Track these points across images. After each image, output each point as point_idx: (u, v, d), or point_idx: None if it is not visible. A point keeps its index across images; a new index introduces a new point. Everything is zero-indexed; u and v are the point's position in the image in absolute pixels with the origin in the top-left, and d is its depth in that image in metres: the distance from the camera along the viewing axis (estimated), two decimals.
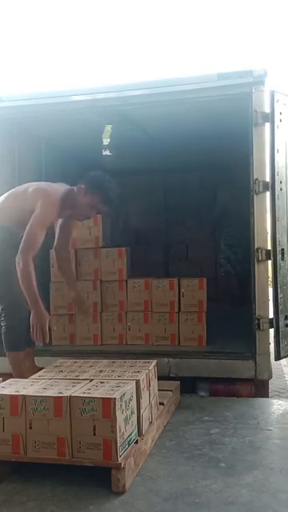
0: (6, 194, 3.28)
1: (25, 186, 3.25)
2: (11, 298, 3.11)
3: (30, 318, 2.91)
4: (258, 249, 3.43)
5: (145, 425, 2.49)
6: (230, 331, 4.15)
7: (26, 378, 2.80)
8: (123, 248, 4.21)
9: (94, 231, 4.18)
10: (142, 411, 2.46)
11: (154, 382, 2.79)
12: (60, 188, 3.19)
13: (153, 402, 2.69)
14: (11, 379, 2.67)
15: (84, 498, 2.09)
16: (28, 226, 2.93)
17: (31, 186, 3.19)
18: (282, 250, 3.47)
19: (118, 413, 2.15)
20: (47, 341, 2.92)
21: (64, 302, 4.10)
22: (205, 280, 4.06)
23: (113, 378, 2.55)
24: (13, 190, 3.30)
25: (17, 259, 2.87)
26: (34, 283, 2.86)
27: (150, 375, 2.71)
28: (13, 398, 2.27)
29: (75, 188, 3.15)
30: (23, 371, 3.14)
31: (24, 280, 2.85)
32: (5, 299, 3.17)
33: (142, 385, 2.51)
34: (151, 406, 2.65)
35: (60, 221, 3.41)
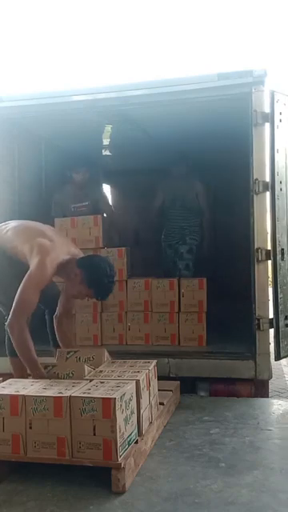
0: (17, 224, 3.21)
1: (33, 228, 3.15)
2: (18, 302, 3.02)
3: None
4: (257, 249, 3.43)
5: (145, 425, 2.49)
6: (230, 331, 4.16)
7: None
8: (123, 248, 4.21)
9: (94, 232, 4.18)
10: (142, 411, 2.46)
11: (154, 382, 2.79)
12: (61, 252, 3.02)
13: (153, 402, 2.70)
14: (11, 379, 2.67)
15: (84, 498, 2.09)
16: (21, 287, 2.79)
17: (38, 237, 3.00)
18: (282, 249, 3.47)
19: (118, 413, 2.15)
20: None
21: None
22: (205, 280, 4.06)
23: (113, 378, 2.55)
24: (25, 224, 3.23)
25: (9, 323, 2.77)
26: (32, 347, 2.75)
27: (150, 375, 2.71)
28: (13, 398, 2.27)
29: (75, 267, 2.99)
30: (25, 376, 3.05)
31: (20, 346, 2.75)
32: (10, 307, 3.08)
33: (142, 385, 2.51)
34: (151, 406, 2.65)
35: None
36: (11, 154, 4.57)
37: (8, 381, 2.61)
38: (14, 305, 2.78)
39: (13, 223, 3.26)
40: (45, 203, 5.03)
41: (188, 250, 5.02)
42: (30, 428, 2.24)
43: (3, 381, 2.65)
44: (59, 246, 3.03)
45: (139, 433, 2.41)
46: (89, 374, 2.67)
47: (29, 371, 2.78)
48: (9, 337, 3.10)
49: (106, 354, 2.98)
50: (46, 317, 3.46)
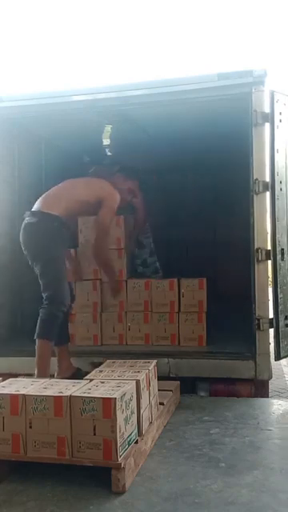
0: (60, 186, 3.61)
1: (82, 179, 3.75)
2: (57, 286, 3.28)
3: (67, 312, 3.40)
4: (257, 249, 3.43)
5: (145, 425, 2.49)
6: (230, 331, 4.16)
7: (48, 371, 3.08)
8: (123, 249, 4.21)
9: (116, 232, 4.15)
10: (142, 411, 2.46)
11: (154, 382, 2.79)
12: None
13: (153, 402, 2.69)
14: (11, 379, 2.67)
15: (84, 497, 2.09)
16: (101, 219, 3.58)
17: (91, 179, 3.76)
18: (282, 249, 3.47)
19: (118, 413, 2.15)
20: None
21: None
22: (205, 280, 4.06)
23: (113, 377, 2.55)
24: (67, 183, 3.65)
25: (96, 244, 3.64)
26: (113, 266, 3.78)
27: (150, 375, 2.71)
28: (13, 398, 2.27)
29: (114, 178, 3.71)
30: (48, 364, 3.18)
31: (106, 259, 3.74)
32: (51, 286, 3.28)
33: (142, 385, 2.51)
34: (151, 406, 2.65)
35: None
36: (11, 154, 4.57)
37: (8, 380, 2.60)
38: (97, 233, 3.63)
39: (52, 190, 3.63)
40: None
41: (150, 252, 4.79)
42: (30, 427, 2.24)
43: (3, 381, 2.64)
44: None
45: (139, 433, 2.41)
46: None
47: (109, 280, 3.86)
48: (41, 318, 3.22)
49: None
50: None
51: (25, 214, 3.47)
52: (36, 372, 3.14)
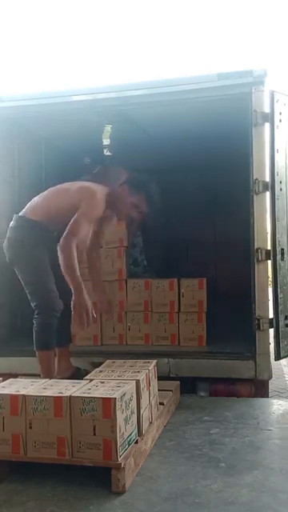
0: (46, 192, 3.36)
1: (67, 184, 3.32)
2: (44, 294, 3.14)
3: (61, 315, 3.10)
4: (257, 249, 3.43)
5: (145, 425, 2.49)
6: (230, 331, 4.16)
7: (54, 377, 2.93)
8: (122, 247, 4.21)
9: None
10: (142, 411, 2.46)
11: (154, 382, 2.79)
12: (103, 187, 3.25)
13: (153, 402, 2.69)
14: (11, 379, 2.67)
15: (84, 498, 2.09)
16: (74, 218, 2.99)
17: (74, 184, 3.27)
18: (282, 249, 3.47)
19: (118, 413, 2.15)
20: (89, 326, 2.99)
21: None
22: (205, 280, 4.06)
23: (113, 378, 2.55)
24: (53, 188, 3.37)
25: (61, 243, 2.91)
26: (77, 268, 2.91)
27: (150, 375, 2.71)
28: (13, 398, 2.27)
29: (119, 188, 3.28)
30: (52, 370, 3.13)
31: (67, 264, 2.89)
32: (37, 295, 3.16)
33: (142, 385, 2.51)
34: (151, 406, 2.65)
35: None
36: (11, 154, 4.56)
37: (8, 381, 2.60)
38: (67, 229, 2.94)
39: (40, 194, 3.36)
40: None
41: (139, 251, 4.84)
42: (30, 428, 2.24)
43: (3, 381, 2.65)
44: (96, 185, 3.25)
45: (139, 433, 2.41)
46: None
47: (73, 290, 2.90)
48: (36, 329, 3.15)
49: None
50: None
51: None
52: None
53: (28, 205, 3.34)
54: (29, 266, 3.17)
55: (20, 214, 3.32)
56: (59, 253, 2.92)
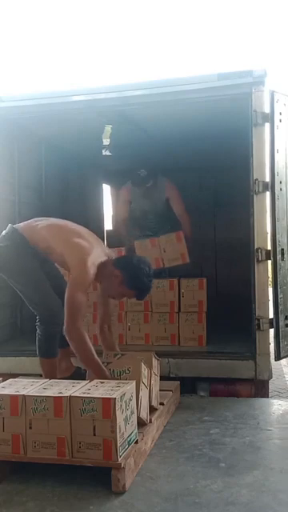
0: (49, 225, 3.14)
1: (70, 230, 3.08)
2: (46, 306, 3.12)
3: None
4: (257, 249, 3.43)
5: (143, 413, 2.51)
6: (230, 331, 4.16)
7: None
8: (122, 248, 4.21)
9: None
10: (140, 394, 2.47)
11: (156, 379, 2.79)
12: (99, 252, 2.98)
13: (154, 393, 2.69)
14: (11, 379, 2.67)
15: (84, 498, 2.09)
16: (68, 292, 2.77)
17: (73, 236, 2.99)
18: (282, 249, 3.47)
19: (118, 413, 2.15)
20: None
21: None
22: (205, 280, 4.06)
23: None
24: (58, 225, 3.16)
25: (66, 330, 2.73)
26: (93, 350, 2.71)
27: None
28: (13, 398, 2.27)
29: (113, 268, 2.95)
30: (55, 376, 3.09)
31: (82, 351, 2.72)
32: (40, 308, 3.14)
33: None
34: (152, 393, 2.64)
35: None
36: (11, 154, 4.57)
37: (8, 381, 2.60)
38: (66, 312, 2.74)
39: (44, 221, 3.19)
40: (44, 204, 5.03)
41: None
42: (30, 428, 2.24)
43: (3, 381, 2.65)
44: (96, 246, 3.00)
45: (138, 412, 2.42)
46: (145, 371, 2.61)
47: (93, 374, 2.69)
48: (39, 338, 3.14)
49: (143, 366, 2.66)
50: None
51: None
52: None
53: (30, 224, 3.18)
54: (24, 278, 3.11)
55: (17, 227, 3.16)
56: (69, 341, 2.75)
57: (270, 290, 3.49)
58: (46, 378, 3.04)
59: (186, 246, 4.27)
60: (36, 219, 3.25)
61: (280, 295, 3.44)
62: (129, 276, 2.91)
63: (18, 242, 3.08)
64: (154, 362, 2.88)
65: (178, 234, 4.25)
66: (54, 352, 3.18)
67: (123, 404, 2.23)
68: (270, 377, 3.49)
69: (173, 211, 4.66)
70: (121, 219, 4.87)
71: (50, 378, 3.01)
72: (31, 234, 3.10)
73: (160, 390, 2.90)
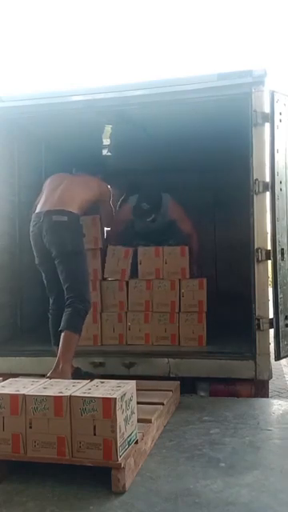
0: (68, 184, 3.67)
1: (77, 178, 3.83)
2: (87, 285, 3.51)
3: None
4: (257, 249, 3.43)
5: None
6: (230, 331, 4.16)
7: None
8: (130, 248, 4.20)
9: (92, 232, 4.17)
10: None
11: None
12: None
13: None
14: (11, 379, 2.67)
15: (84, 498, 2.09)
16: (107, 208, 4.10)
17: (91, 179, 3.87)
18: (282, 249, 3.47)
19: (118, 413, 2.15)
20: None
21: None
22: (205, 280, 4.06)
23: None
24: (74, 181, 3.76)
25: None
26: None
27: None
28: (13, 398, 2.27)
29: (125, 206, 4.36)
30: (72, 357, 3.24)
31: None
32: (86, 286, 3.49)
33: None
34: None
35: None
36: (11, 154, 4.57)
37: (8, 380, 2.60)
38: (109, 218, 4.28)
39: (60, 191, 3.62)
40: None
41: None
42: (30, 427, 2.24)
43: (3, 381, 2.64)
44: None
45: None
46: None
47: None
48: (80, 314, 3.34)
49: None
50: (52, 313, 3.57)
51: (36, 215, 3.55)
52: (61, 366, 3.11)
53: (58, 199, 3.55)
54: (82, 257, 3.53)
55: (57, 208, 3.48)
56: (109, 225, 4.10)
57: (270, 290, 3.49)
58: (68, 353, 3.17)
59: (190, 262, 4.16)
60: (56, 195, 3.60)
61: (280, 295, 3.44)
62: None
63: (77, 222, 3.54)
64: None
65: (183, 248, 4.18)
66: (80, 328, 3.34)
67: (123, 404, 2.22)
68: (270, 377, 3.49)
69: (177, 228, 4.58)
70: (119, 232, 4.70)
71: (71, 354, 3.20)
72: (73, 206, 3.54)
73: (160, 390, 2.90)
